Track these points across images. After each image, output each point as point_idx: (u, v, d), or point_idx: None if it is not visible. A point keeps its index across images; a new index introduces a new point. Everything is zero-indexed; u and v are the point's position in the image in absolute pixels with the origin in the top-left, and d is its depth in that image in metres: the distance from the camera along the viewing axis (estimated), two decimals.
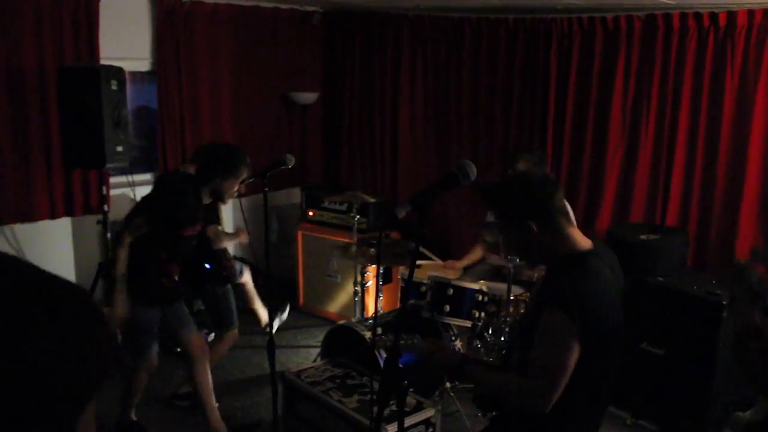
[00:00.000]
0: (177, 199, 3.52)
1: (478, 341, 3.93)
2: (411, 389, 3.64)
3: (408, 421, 3.33)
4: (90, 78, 4.38)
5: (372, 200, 4.57)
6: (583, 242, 2.22)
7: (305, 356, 4.99)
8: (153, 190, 3.76)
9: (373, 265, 4.49)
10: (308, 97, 6.29)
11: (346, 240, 4.96)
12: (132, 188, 5.34)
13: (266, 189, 2.99)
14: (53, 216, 5.09)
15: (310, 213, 5.80)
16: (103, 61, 4.91)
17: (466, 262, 4.77)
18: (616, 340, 2.19)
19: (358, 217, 4.69)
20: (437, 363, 2.36)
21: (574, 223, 2.30)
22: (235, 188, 3.60)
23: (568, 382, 2.07)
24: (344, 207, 5.45)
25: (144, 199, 3.74)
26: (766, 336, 1.74)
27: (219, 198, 3.64)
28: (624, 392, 4.18)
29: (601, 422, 2.37)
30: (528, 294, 4.20)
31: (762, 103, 4.18)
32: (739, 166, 4.31)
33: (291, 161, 3.24)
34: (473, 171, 1.92)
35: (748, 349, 1.75)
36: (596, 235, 3.12)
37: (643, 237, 4.21)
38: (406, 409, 3.40)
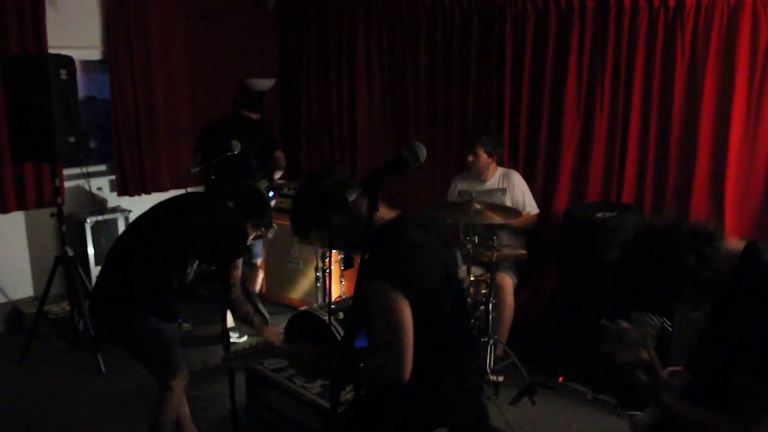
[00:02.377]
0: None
1: None
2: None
3: None
4: (37, 68, 4.27)
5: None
6: (387, 215, 2.20)
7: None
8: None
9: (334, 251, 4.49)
10: (265, 83, 6.23)
11: None
12: (87, 180, 5.26)
13: (213, 177, 2.94)
14: (5, 210, 4.98)
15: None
16: (51, 50, 4.79)
17: None
18: (446, 285, 2.20)
19: None
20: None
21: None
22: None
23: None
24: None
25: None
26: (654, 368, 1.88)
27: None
28: (584, 368, 4.26)
29: (461, 364, 2.30)
30: (488, 275, 4.24)
31: (711, 83, 4.26)
32: (690, 144, 4.39)
33: (236, 147, 3.20)
34: (423, 152, 1.91)
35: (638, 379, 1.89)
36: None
37: (599, 215, 4.27)
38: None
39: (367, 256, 2.03)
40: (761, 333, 1.77)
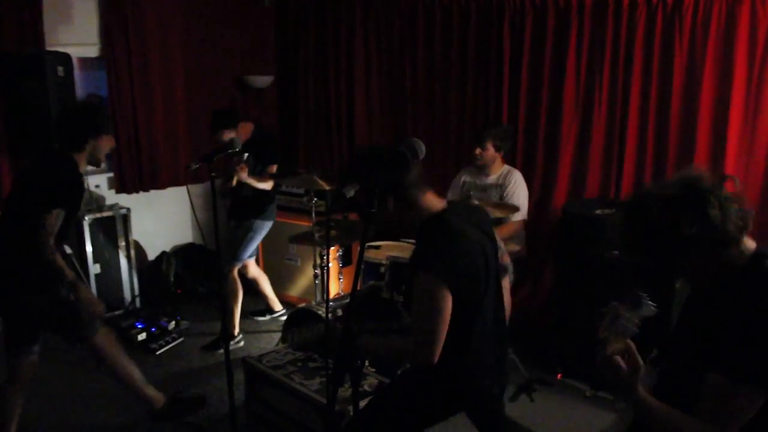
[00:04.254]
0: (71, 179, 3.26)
1: None
2: (373, 370, 3.67)
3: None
4: (35, 65, 4.26)
5: (327, 185, 4.55)
6: (438, 204, 2.35)
7: (267, 341, 4.98)
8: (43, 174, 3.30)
9: (332, 248, 4.49)
10: (263, 80, 6.23)
11: (305, 223, 4.95)
12: (84, 177, 5.24)
13: (213, 174, 2.94)
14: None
15: None
16: (48, 48, 4.78)
17: None
18: (482, 281, 2.33)
19: (315, 200, 4.66)
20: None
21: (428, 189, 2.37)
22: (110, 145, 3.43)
23: (449, 331, 2.21)
24: (302, 190, 5.42)
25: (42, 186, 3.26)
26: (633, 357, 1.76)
27: (95, 163, 3.41)
28: (583, 365, 4.27)
29: (503, 357, 2.54)
30: None
31: (709, 78, 4.26)
32: (688, 141, 4.39)
33: (238, 144, 3.19)
34: (422, 149, 1.92)
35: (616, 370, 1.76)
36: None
37: (598, 212, 4.27)
38: (368, 389, 3.43)
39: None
40: (748, 335, 1.67)
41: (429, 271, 2.18)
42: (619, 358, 1.71)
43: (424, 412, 2.47)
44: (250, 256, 5.03)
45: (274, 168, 4.82)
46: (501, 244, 2.89)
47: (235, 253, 4.77)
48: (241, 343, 4.87)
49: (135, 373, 3.67)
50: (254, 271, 5.15)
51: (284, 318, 5.20)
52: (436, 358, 2.19)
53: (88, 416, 3.96)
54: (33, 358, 3.44)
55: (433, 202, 2.34)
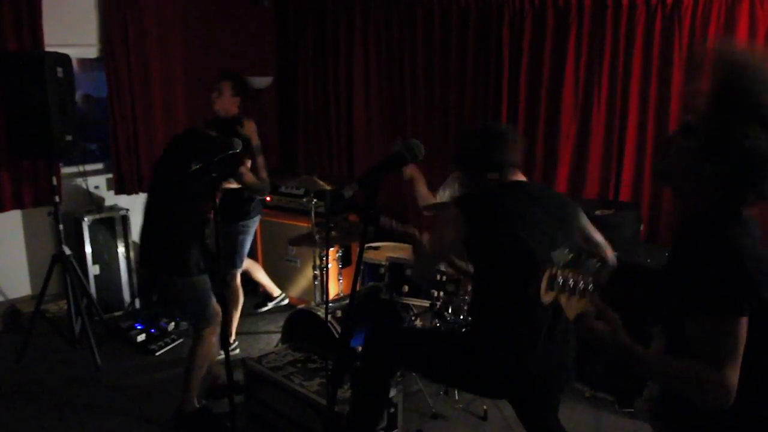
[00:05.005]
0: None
1: (437, 321, 3.95)
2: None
3: None
4: (34, 66, 4.26)
5: (327, 185, 4.54)
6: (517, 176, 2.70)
7: (267, 342, 4.98)
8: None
9: (331, 249, 4.49)
10: (262, 81, 6.22)
11: (304, 224, 4.94)
12: (84, 178, 5.25)
13: (214, 175, 2.94)
14: (2, 209, 4.98)
15: (268, 198, 5.75)
16: (48, 48, 4.78)
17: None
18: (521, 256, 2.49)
19: (315, 201, 4.66)
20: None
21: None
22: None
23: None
24: (301, 191, 5.42)
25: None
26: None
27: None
28: (582, 365, 4.26)
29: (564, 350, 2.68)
30: None
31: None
32: None
33: (238, 145, 3.19)
34: (420, 150, 1.92)
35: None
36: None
37: (597, 213, 4.26)
38: None
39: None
40: (702, 271, 1.67)
41: (456, 204, 2.61)
42: (595, 322, 1.66)
43: (471, 375, 2.64)
44: (239, 267, 4.95)
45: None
46: (601, 239, 2.89)
47: (232, 261, 4.72)
48: (237, 351, 4.82)
49: (201, 377, 3.79)
50: (245, 263, 5.09)
51: (286, 302, 5.25)
52: (431, 271, 2.75)
53: (90, 415, 3.96)
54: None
55: (519, 177, 2.69)
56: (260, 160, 4.15)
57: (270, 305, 5.37)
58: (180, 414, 3.73)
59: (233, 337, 4.86)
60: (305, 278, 5.46)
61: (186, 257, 3.52)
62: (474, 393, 2.94)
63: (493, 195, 2.60)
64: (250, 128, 4.05)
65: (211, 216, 3.47)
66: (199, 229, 3.58)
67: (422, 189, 3.79)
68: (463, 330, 3.52)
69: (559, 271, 1.63)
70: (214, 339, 3.75)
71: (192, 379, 3.71)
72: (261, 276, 5.27)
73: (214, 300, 3.67)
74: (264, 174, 4.12)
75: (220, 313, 3.59)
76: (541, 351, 2.53)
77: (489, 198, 2.59)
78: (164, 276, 3.64)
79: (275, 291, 5.36)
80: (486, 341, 2.54)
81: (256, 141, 4.11)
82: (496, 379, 2.58)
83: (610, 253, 2.88)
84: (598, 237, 2.82)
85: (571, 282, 1.63)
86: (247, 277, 5.16)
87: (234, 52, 6.18)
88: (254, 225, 4.87)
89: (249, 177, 3.92)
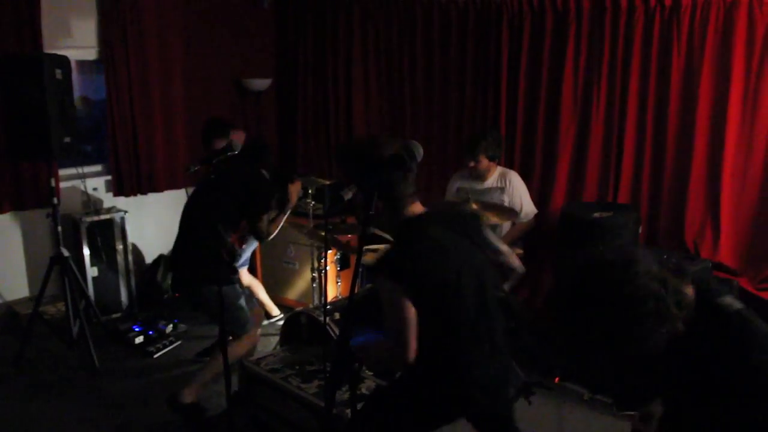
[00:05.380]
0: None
1: None
2: (370, 373, 3.65)
3: None
4: (33, 67, 4.25)
5: (327, 182, 4.55)
6: (416, 209, 2.33)
7: (265, 344, 4.96)
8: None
9: (329, 251, 4.48)
10: (261, 83, 6.22)
11: (303, 223, 4.93)
12: (82, 180, 5.25)
13: (213, 176, 2.94)
14: (0, 210, 4.97)
15: None
16: (46, 50, 4.78)
17: None
18: (461, 285, 2.29)
19: (313, 203, 4.66)
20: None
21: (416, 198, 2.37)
22: None
23: (423, 333, 2.22)
24: (300, 193, 5.41)
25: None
26: None
27: None
28: (580, 368, 4.26)
29: (504, 368, 2.56)
30: None
31: (707, 81, 4.26)
32: (686, 144, 4.39)
33: (237, 147, 3.20)
34: (419, 152, 1.91)
35: None
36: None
37: (596, 215, 4.27)
38: (365, 392, 3.42)
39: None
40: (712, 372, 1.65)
41: (388, 279, 2.20)
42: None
43: (419, 417, 2.45)
44: (243, 265, 5.03)
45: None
46: (504, 247, 2.89)
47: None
48: (281, 322, 4.91)
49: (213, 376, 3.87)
50: (246, 278, 5.14)
51: (281, 323, 5.24)
52: (410, 359, 2.21)
53: (88, 417, 3.95)
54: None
55: (416, 209, 2.32)
56: (282, 218, 4.20)
57: (265, 323, 5.35)
58: (173, 399, 3.77)
59: (275, 311, 5.23)
60: (303, 281, 5.45)
61: (215, 267, 3.66)
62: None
63: (418, 243, 2.28)
64: (295, 188, 4.18)
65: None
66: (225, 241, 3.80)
67: None
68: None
69: None
70: (249, 342, 3.95)
71: (206, 371, 3.81)
72: (261, 294, 5.24)
73: (250, 308, 3.94)
74: (273, 230, 4.15)
75: (262, 315, 3.84)
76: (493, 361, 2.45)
77: (416, 251, 2.27)
78: (196, 286, 3.80)
79: (274, 310, 5.34)
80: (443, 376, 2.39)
81: (293, 202, 4.20)
82: (451, 398, 2.44)
83: (515, 260, 2.99)
84: (503, 246, 2.89)
85: None
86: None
87: (233, 53, 6.19)
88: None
89: (263, 224, 3.98)
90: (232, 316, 3.78)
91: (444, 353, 2.30)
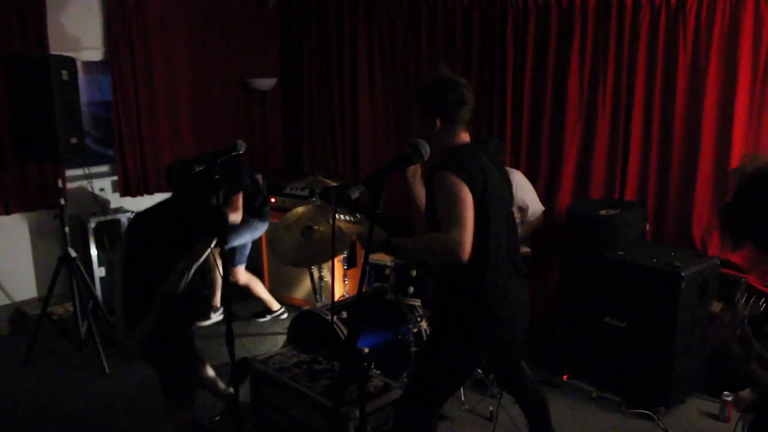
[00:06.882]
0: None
1: None
2: (378, 372, 3.66)
3: (375, 404, 3.34)
4: (39, 69, 4.27)
5: (333, 184, 4.55)
6: (465, 138, 2.71)
7: (273, 343, 4.98)
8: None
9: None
10: (266, 82, 6.23)
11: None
12: (89, 181, 5.27)
13: (217, 176, 2.95)
14: (8, 212, 4.99)
15: (272, 200, 5.76)
16: (52, 51, 4.80)
17: None
18: (497, 209, 2.64)
19: (320, 202, 4.67)
20: (374, 243, 2.43)
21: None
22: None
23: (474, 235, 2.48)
24: (306, 192, 5.42)
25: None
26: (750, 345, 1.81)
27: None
28: (588, 366, 4.26)
29: (518, 273, 2.78)
30: None
31: (713, 78, 4.24)
32: (693, 141, 4.38)
33: (242, 147, 3.19)
34: (426, 150, 1.92)
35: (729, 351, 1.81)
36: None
37: (602, 212, 4.26)
38: (374, 391, 3.42)
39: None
40: None
41: (449, 170, 2.46)
42: (733, 345, 1.78)
43: (456, 357, 2.72)
44: (239, 263, 5.06)
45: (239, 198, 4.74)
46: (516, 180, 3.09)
47: (231, 258, 4.81)
48: (284, 315, 5.19)
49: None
50: (244, 277, 5.17)
51: (284, 316, 5.26)
52: (468, 253, 2.40)
53: (96, 417, 3.97)
54: None
55: (465, 137, 2.68)
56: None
57: (268, 317, 5.37)
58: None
59: (276, 305, 5.32)
60: (310, 279, 5.45)
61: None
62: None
63: (472, 156, 2.64)
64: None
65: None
66: None
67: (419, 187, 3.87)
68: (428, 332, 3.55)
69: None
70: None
71: None
72: (260, 290, 5.29)
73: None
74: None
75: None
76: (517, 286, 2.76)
77: (472, 160, 2.62)
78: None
79: (274, 305, 5.37)
80: (478, 300, 2.65)
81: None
82: (491, 331, 2.72)
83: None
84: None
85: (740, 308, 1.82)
86: (246, 291, 5.27)
87: (238, 53, 6.20)
88: (263, 228, 4.96)
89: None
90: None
91: (483, 261, 2.55)
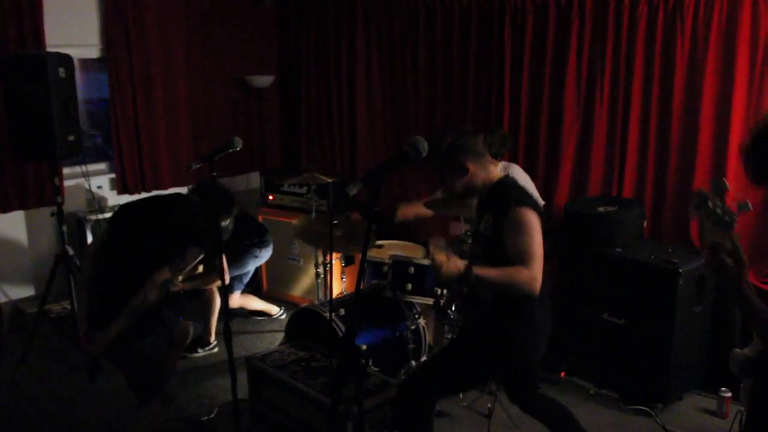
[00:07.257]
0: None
1: (440, 318, 3.95)
2: (376, 369, 3.66)
3: (373, 401, 3.35)
4: (36, 66, 4.26)
5: (329, 180, 4.54)
6: (498, 174, 2.84)
7: (271, 341, 4.98)
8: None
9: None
10: (264, 80, 6.22)
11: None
12: (86, 179, 5.25)
13: (214, 174, 2.95)
14: (5, 210, 4.98)
15: (270, 197, 5.76)
16: (49, 49, 4.78)
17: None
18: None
19: (317, 199, 4.66)
20: (448, 273, 2.53)
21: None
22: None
23: None
24: (303, 190, 5.42)
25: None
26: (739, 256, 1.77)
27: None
28: (586, 363, 4.27)
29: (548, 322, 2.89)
30: None
31: (711, 76, 4.24)
32: (691, 138, 4.38)
33: (238, 144, 3.18)
34: (424, 147, 1.92)
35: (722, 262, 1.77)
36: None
37: (600, 209, 4.27)
38: (371, 388, 3.42)
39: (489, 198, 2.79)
40: None
41: (527, 206, 2.59)
42: (724, 255, 1.75)
43: (485, 371, 2.89)
44: (237, 290, 4.95)
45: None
46: None
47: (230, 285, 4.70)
48: (216, 349, 4.81)
49: None
50: (237, 302, 5.04)
51: (284, 317, 5.25)
52: (538, 289, 2.53)
53: (94, 415, 3.97)
54: None
55: (495, 171, 2.81)
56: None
57: (268, 318, 5.37)
58: None
59: (212, 336, 4.85)
60: (308, 277, 5.46)
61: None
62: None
63: (521, 188, 2.80)
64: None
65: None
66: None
67: (417, 207, 4.06)
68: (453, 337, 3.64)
69: (714, 198, 1.76)
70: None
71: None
72: (256, 304, 5.27)
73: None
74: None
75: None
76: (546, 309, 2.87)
77: (526, 193, 2.79)
78: None
79: (273, 310, 5.36)
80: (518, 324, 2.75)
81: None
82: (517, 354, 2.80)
83: None
84: None
85: (718, 210, 1.76)
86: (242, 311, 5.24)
87: (236, 51, 6.19)
88: (266, 255, 4.91)
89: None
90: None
91: (535, 302, 2.64)
